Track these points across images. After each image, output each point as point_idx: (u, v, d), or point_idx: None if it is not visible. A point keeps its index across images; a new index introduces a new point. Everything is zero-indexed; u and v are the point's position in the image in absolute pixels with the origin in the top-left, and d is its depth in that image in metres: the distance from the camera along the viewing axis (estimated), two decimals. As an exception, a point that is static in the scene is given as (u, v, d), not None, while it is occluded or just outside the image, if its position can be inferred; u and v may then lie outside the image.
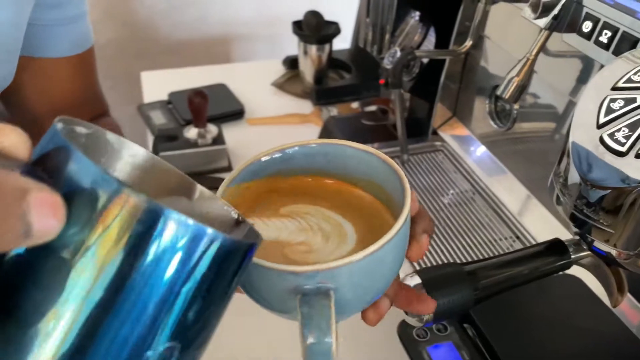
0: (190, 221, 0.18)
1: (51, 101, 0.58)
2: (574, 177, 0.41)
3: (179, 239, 0.18)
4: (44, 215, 0.15)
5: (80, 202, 0.17)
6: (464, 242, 0.66)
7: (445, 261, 0.63)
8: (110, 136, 0.23)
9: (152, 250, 0.17)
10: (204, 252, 0.18)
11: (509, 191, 0.71)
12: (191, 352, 0.20)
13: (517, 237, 0.66)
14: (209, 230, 0.18)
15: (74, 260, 0.17)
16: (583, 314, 0.54)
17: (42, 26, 0.51)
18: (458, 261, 0.63)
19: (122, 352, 0.18)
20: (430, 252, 0.64)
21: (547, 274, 0.44)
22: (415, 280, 0.42)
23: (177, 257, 0.18)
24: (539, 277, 0.43)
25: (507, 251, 0.65)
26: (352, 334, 0.65)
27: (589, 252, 0.44)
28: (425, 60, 0.83)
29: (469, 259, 0.63)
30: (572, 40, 0.55)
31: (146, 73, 1.29)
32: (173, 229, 0.17)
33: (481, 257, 0.64)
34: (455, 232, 0.67)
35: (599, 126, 0.41)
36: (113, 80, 1.76)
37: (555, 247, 0.44)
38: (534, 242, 0.65)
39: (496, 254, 0.64)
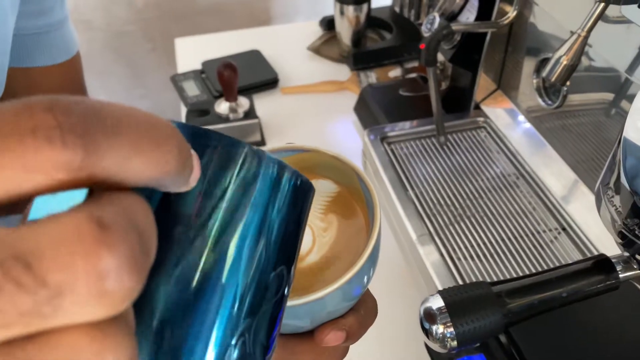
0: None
1: None
2: (625, 191, 0.36)
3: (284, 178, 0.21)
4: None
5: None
6: (502, 234, 0.61)
7: (481, 255, 0.59)
8: None
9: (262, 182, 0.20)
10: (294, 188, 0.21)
11: (556, 176, 0.65)
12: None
13: (563, 229, 0.61)
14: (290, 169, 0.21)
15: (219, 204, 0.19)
16: (636, 324, 0.49)
17: (27, 35, 0.49)
18: (495, 255, 0.59)
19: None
20: (465, 245, 0.60)
21: (590, 296, 0.39)
22: (437, 303, 0.38)
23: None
24: (580, 300, 0.39)
25: (549, 243, 0.60)
26: (378, 344, 0.63)
27: (639, 272, 0.39)
28: (467, 27, 0.75)
29: (508, 253, 0.59)
30: (631, 13, 0.48)
31: (180, 40, 1.26)
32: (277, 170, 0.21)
33: (522, 251, 0.59)
34: (494, 222, 0.62)
35: (657, 133, 0.35)
36: (152, 43, 1.74)
37: (600, 265, 0.39)
38: (581, 236, 0.59)
39: (539, 247, 0.59)
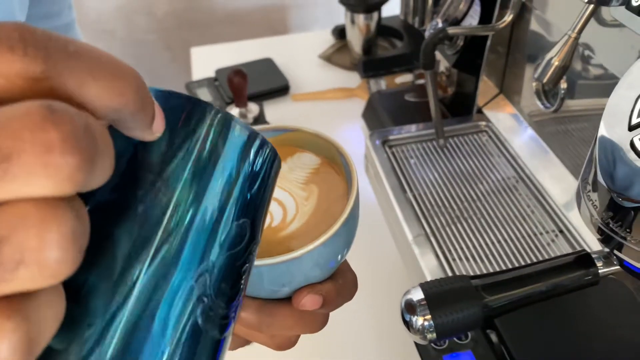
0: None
1: None
2: (601, 185, 0.36)
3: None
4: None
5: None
6: (499, 236, 0.61)
7: (476, 256, 0.59)
8: None
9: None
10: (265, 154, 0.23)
11: (556, 180, 0.65)
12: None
13: (560, 231, 0.61)
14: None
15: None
16: (624, 321, 0.49)
17: None
18: (490, 256, 0.59)
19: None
20: (461, 247, 0.60)
21: (570, 291, 0.39)
22: (418, 295, 0.39)
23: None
24: (560, 294, 0.39)
25: (546, 246, 0.60)
26: (367, 340, 0.63)
27: (619, 268, 0.39)
28: (470, 32, 0.76)
29: (503, 254, 0.59)
30: (620, 15, 0.48)
31: (196, 49, 1.29)
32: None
33: (517, 253, 0.59)
34: (491, 224, 0.63)
35: (631, 127, 0.35)
36: (172, 52, 1.79)
37: (580, 261, 0.39)
38: (577, 238, 0.59)
39: (535, 249, 0.59)
